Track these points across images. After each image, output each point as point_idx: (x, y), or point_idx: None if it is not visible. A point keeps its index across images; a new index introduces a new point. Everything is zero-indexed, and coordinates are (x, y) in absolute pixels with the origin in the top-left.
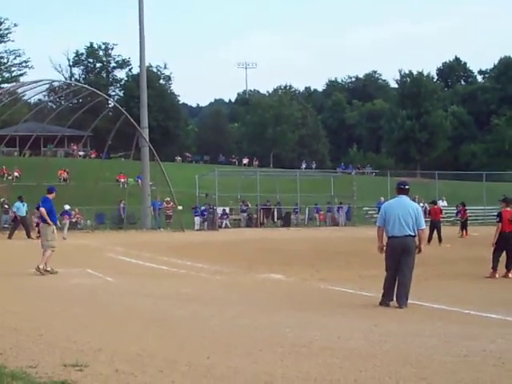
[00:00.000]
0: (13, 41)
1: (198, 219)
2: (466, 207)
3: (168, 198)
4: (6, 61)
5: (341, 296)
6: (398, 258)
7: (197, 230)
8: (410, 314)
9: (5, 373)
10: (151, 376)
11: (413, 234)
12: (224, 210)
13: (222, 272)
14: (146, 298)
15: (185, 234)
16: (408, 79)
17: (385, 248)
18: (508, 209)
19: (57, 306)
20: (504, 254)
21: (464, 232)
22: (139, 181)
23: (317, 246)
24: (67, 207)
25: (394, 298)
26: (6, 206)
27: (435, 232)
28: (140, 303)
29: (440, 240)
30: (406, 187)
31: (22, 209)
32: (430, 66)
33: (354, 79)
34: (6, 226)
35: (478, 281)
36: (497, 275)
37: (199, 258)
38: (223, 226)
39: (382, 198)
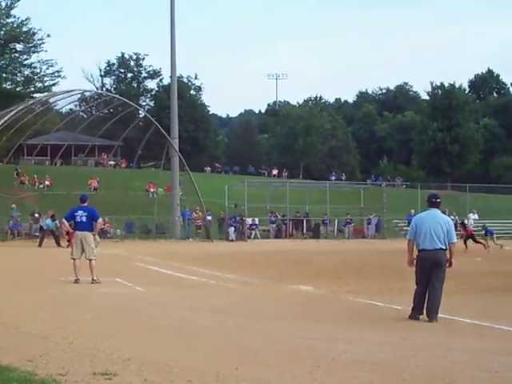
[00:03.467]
0: (46, 51)
1: (232, 230)
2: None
3: (197, 208)
4: (38, 71)
5: (370, 309)
6: (429, 271)
7: (231, 240)
8: (440, 328)
9: (35, 380)
10: None
11: (444, 248)
12: (253, 220)
13: (251, 283)
14: (175, 307)
15: (214, 244)
16: (439, 91)
17: (415, 261)
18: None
19: (86, 314)
20: None
21: (483, 243)
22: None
23: (346, 258)
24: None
25: (424, 312)
26: (37, 215)
27: None
28: (168, 313)
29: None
30: (438, 200)
31: (50, 225)
32: (461, 78)
33: (384, 91)
34: (36, 234)
35: (509, 295)
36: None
37: (228, 268)
38: (252, 236)
39: (413, 211)
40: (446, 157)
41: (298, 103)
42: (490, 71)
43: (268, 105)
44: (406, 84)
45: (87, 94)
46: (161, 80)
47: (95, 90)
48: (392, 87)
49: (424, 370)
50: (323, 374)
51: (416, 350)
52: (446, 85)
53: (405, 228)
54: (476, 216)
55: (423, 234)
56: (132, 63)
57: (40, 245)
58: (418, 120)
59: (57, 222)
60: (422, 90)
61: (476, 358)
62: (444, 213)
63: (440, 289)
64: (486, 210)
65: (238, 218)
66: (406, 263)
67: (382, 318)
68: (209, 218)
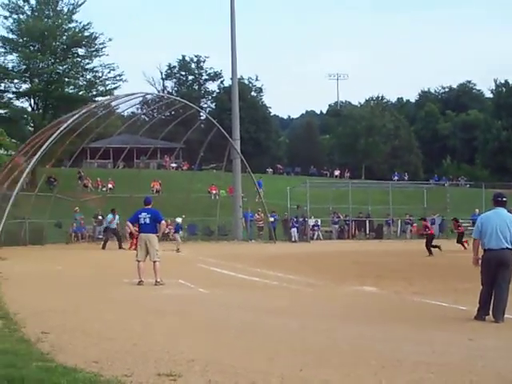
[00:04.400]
0: (107, 55)
1: (294, 231)
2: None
3: (259, 210)
4: (100, 75)
5: (435, 309)
6: (494, 271)
7: (293, 241)
8: (507, 329)
9: (100, 381)
10: None
11: (510, 247)
12: (316, 221)
13: (314, 284)
14: (238, 309)
15: (276, 245)
16: (503, 89)
17: (480, 261)
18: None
19: (150, 315)
20: None
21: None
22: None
23: (409, 258)
24: (179, 220)
25: (491, 313)
26: (100, 218)
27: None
28: (231, 314)
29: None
30: (504, 199)
31: (109, 219)
32: None
33: (447, 89)
34: (100, 236)
35: None
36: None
37: (291, 269)
38: (315, 237)
39: (477, 210)
40: (510, 155)
41: (359, 103)
42: None
43: (329, 105)
44: (469, 82)
45: (149, 96)
46: (222, 82)
47: (156, 92)
48: (455, 86)
49: (491, 371)
50: (388, 375)
51: (483, 351)
52: (511, 82)
53: (469, 228)
54: None
55: (489, 234)
56: (193, 65)
57: (104, 247)
58: (482, 118)
59: (117, 216)
60: (486, 88)
61: None
62: (510, 212)
63: (506, 289)
64: None
65: (300, 219)
66: (472, 262)
67: (447, 319)
68: (271, 219)
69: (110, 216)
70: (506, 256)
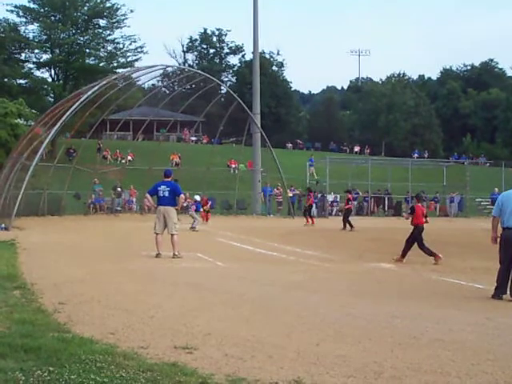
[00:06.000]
0: (129, 26)
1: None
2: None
3: (279, 184)
4: (121, 46)
5: (452, 287)
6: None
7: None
8: None
9: (117, 352)
10: (260, 361)
11: None
12: (335, 197)
13: (332, 260)
14: (255, 283)
15: (295, 220)
16: None
17: (499, 239)
18: (419, 204)
19: (167, 288)
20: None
21: (308, 220)
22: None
23: (428, 236)
24: (198, 197)
25: (508, 292)
26: (119, 189)
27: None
28: (248, 289)
29: (344, 226)
30: None
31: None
32: None
33: (469, 67)
34: (118, 208)
35: None
36: (438, 259)
37: (308, 245)
38: (333, 213)
39: (496, 189)
40: None
41: (380, 80)
42: None
43: (350, 81)
44: (492, 60)
45: (169, 69)
46: (243, 56)
47: (177, 65)
48: (477, 64)
49: (508, 349)
50: (405, 351)
51: (500, 330)
52: None
53: (488, 207)
54: None
55: (509, 212)
56: (214, 39)
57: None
58: (504, 97)
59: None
60: (508, 66)
61: None
62: None
63: None
64: None
65: (319, 195)
66: (490, 240)
67: (464, 297)
68: (290, 194)
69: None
70: None
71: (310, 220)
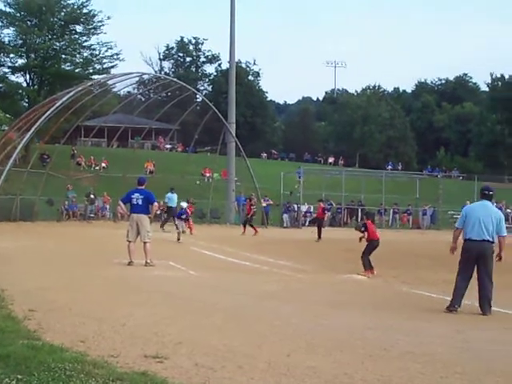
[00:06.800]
0: (105, 33)
1: (286, 216)
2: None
3: (252, 194)
4: (97, 53)
5: (423, 300)
6: (473, 262)
7: (285, 226)
8: (494, 321)
9: (86, 361)
10: (230, 371)
11: (491, 240)
12: (308, 207)
13: (305, 270)
14: (227, 292)
15: (268, 230)
16: (499, 83)
17: (460, 251)
18: (369, 221)
19: (139, 296)
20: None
21: (245, 229)
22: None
23: (400, 248)
24: (184, 205)
25: (478, 306)
26: (93, 196)
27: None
28: (221, 298)
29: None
30: (490, 193)
31: (173, 199)
32: None
33: (443, 81)
34: (91, 215)
35: None
36: (375, 272)
37: (282, 255)
38: (306, 224)
39: (468, 202)
40: (504, 149)
41: (356, 92)
42: None
43: (326, 92)
44: (466, 75)
45: (145, 76)
46: (219, 65)
47: (153, 73)
48: (451, 78)
49: (476, 363)
50: (375, 363)
51: (469, 343)
52: (507, 77)
53: None
54: None
55: (472, 224)
56: (191, 47)
57: (162, 226)
58: (477, 112)
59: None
60: (482, 81)
61: None
62: (500, 209)
63: (490, 281)
64: None
65: (292, 205)
66: (449, 250)
67: (435, 310)
68: (264, 204)
69: (169, 194)
70: (487, 248)
71: (251, 229)
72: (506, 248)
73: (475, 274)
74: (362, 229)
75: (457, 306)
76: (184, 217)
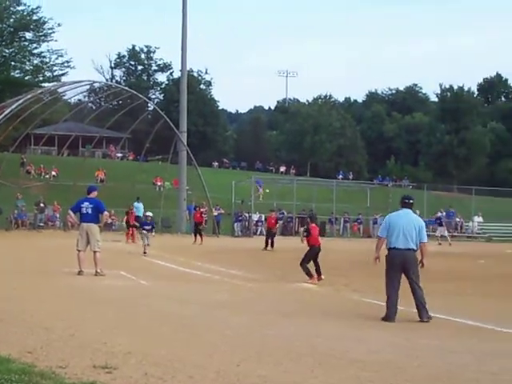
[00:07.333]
0: (56, 40)
1: (237, 225)
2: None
3: (204, 203)
4: (48, 60)
5: (373, 308)
6: (400, 270)
7: (236, 235)
8: (442, 329)
9: (34, 372)
10: (180, 381)
11: (415, 248)
12: (259, 216)
13: (255, 279)
14: (178, 302)
15: (219, 239)
16: (448, 94)
17: (385, 261)
18: (313, 225)
19: (89, 306)
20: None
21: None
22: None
23: (351, 256)
24: (150, 214)
25: (417, 314)
26: (42, 205)
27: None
28: (171, 307)
29: (272, 246)
30: (411, 201)
31: (140, 208)
32: (471, 81)
33: (394, 91)
34: (41, 224)
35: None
36: (316, 280)
37: (233, 264)
38: (258, 233)
39: (418, 212)
40: (452, 159)
41: (307, 101)
42: (498, 75)
43: (277, 102)
44: (416, 85)
45: (96, 85)
46: (171, 73)
47: (105, 81)
48: (401, 88)
49: (425, 370)
50: (325, 372)
51: (418, 351)
52: (455, 87)
53: None
54: (481, 219)
55: (396, 233)
56: (143, 56)
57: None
58: (427, 122)
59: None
60: (432, 92)
61: (477, 360)
62: (422, 217)
63: (419, 287)
64: (491, 212)
65: (244, 214)
66: (373, 259)
67: None
68: (215, 213)
69: (136, 204)
70: (411, 256)
71: (197, 238)
72: (427, 255)
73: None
74: (305, 234)
75: (393, 316)
76: (149, 228)
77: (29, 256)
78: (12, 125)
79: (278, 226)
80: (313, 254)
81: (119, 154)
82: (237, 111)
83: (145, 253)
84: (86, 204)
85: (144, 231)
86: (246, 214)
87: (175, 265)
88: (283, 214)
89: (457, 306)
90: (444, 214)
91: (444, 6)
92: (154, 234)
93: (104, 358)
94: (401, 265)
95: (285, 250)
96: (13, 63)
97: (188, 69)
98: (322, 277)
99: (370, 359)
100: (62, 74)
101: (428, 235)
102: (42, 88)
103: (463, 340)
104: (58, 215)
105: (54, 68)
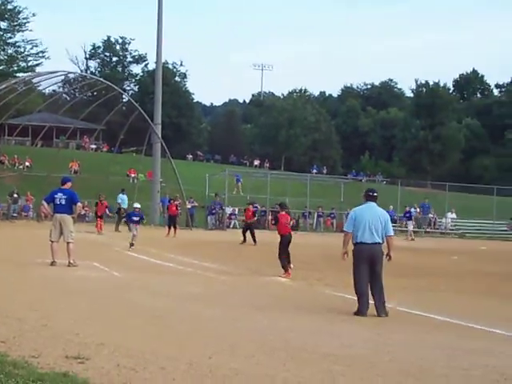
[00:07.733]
0: (30, 30)
1: (210, 218)
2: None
3: (177, 196)
4: (22, 50)
5: (346, 302)
6: (367, 264)
7: (210, 228)
8: (414, 324)
9: (7, 361)
10: (152, 372)
11: (381, 242)
12: (233, 210)
13: (229, 272)
14: (151, 294)
15: (192, 232)
16: (424, 89)
17: (352, 255)
18: (283, 213)
19: (62, 297)
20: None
21: (170, 231)
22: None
23: (324, 251)
24: (138, 205)
25: (375, 308)
26: (16, 195)
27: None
28: (144, 299)
29: (254, 241)
30: (375, 194)
31: (125, 200)
32: (446, 77)
33: (369, 86)
34: (14, 215)
35: (484, 295)
36: (290, 276)
37: (206, 257)
38: (231, 226)
39: (391, 207)
40: (427, 155)
41: (282, 95)
42: (474, 72)
43: (252, 95)
44: (391, 80)
45: (71, 75)
46: (146, 65)
47: (79, 72)
48: (377, 83)
49: (396, 365)
50: (297, 366)
51: (389, 346)
52: (431, 83)
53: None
54: (454, 215)
55: (362, 227)
56: (118, 47)
57: (117, 229)
58: (402, 117)
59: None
60: (407, 87)
61: (448, 356)
62: (388, 212)
63: (381, 283)
64: (465, 209)
65: (217, 207)
66: (341, 255)
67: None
68: (189, 206)
69: (121, 195)
70: (378, 250)
71: (171, 231)
72: (394, 248)
73: None
74: (273, 222)
75: (365, 311)
76: (137, 219)
77: (1, 246)
78: None
79: (255, 218)
80: (285, 244)
81: (93, 146)
82: (211, 104)
83: (132, 244)
84: (59, 195)
85: (132, 223)
86: (219, 207)
87: (148, 257)
88: (257, 207)
89: (429, 302)
90: (418, 209)
91: (420, 2)
92: (138, 227)
93: (77, 349)
94: (368, 258)
95: (258, 243)
96: None
97: (163, 61)
98: (291, 265)
99: (343, 353)
100: (37, 65)
101: (400, 231)
102: (16, 78)
103: (435, 336)
104: (31, 206)
105: (29, 58)
